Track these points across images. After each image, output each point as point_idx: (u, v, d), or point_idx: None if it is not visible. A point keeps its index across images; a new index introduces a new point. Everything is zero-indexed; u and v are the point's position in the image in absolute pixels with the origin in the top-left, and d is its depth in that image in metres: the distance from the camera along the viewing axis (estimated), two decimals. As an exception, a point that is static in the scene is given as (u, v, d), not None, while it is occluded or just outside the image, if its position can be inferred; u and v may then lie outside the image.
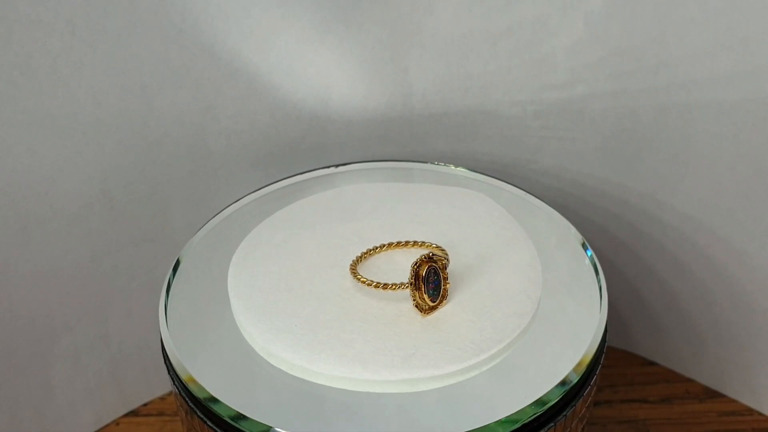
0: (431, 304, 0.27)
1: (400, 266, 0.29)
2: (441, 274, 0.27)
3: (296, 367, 0.26)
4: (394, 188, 0.35)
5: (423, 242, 0.30)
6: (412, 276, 0.27)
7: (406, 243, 0.30)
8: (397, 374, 0.25)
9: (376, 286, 0.28)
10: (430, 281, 0.27)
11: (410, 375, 0.25)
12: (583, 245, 0.31)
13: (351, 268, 0.29)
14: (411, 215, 0.32)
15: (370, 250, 0.30)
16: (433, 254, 0.27)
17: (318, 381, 0.26)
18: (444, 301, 0.28)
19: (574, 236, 0.32)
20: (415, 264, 0.27)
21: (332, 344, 0.26)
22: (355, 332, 0.27)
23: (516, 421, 0.24)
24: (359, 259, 0.29)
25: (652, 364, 0.44)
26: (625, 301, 0.44)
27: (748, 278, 0.39)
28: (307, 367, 0.26)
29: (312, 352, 0.26)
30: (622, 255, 0.42)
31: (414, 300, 0.27)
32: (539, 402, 0.25)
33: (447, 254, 0.29)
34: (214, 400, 0.25)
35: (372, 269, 0.29)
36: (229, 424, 0.25)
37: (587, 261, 0.31)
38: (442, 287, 0.27)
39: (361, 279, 0.28)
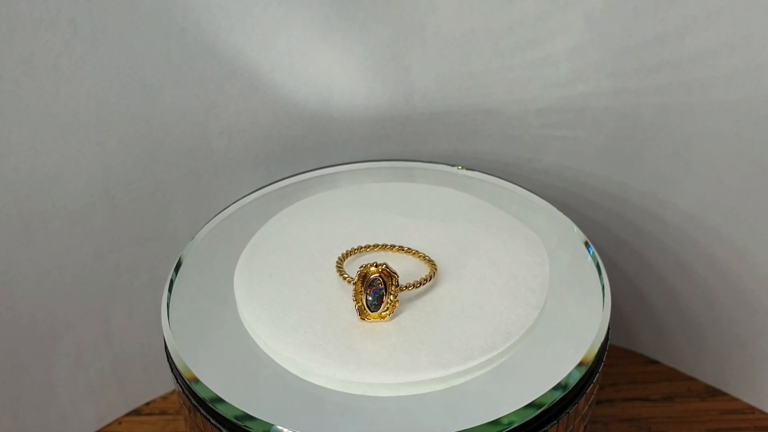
0: (369, 312, 0.27)
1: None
2: (389, 289, 0.27)
3: (296, 365, 0.26)
4: (396, 189, 0.35)
5: (416, 251, 0.30)
6: (359, 277, 0.27)
7: (401, 248, 0.30)
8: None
9: (349, 281, 0.28)
10: (372, 289, 0.27)
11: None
12: (586, 244, 0.31)
13: (337, 264, 0.29)
14: (413, 218, 0.32)
15: (361, 248, 0.30)
16: (387, 266, 0.27)
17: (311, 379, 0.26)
18: (387, 317, 0.27)
19: (577, 235, 0.32)
20: (363, 267, 0.27)
21: (330, 342, 0.27)
22: (353, 334, 0.27)
23: (518, 420, 0.24)
24: (346, 256, 0.30)
25: (653, 362, 0.44)
26: (626, 299, 0.44)
27: (750, 276, 0.39)
28: (305, 364, 0.26)
29: (313, 351, 0.26)
30: (624, 253, 0.42)
31: (356, 302, 0.27)
32: (541, 401, 0.25)
33: (436, 268, 0.29)
34: (218, 399, 0.25)
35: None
36: (232, 422, 0.25)
37: (590, 260, 0.30)
38: (386, 301, 0.27)
39: (344, 275, 0.28)
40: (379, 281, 0.27)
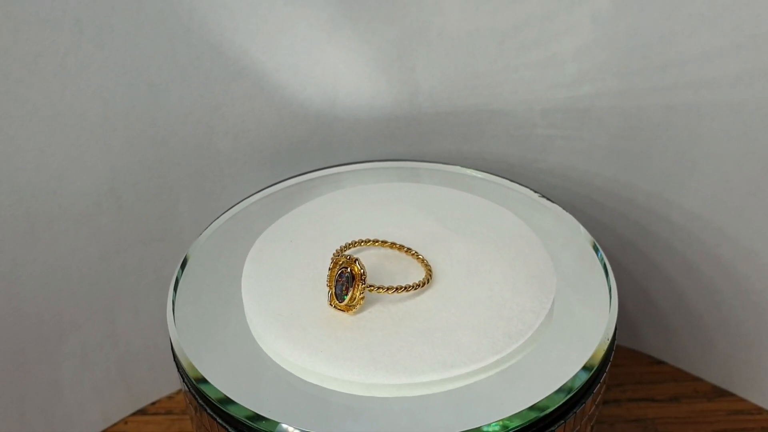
0: (336, 302, 0.27)
1: (389, 268, 0.29)
2: (356, 284, 0.27)
3: (296, 366, 0.26)
4: (401, 189, 0.35)
5: (423, 259, 0.30)
6: (334, 265, 0.27)
7: (415, 253, 0.30)
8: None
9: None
10: (342, 280, 0.27)
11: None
12: (593, 245, 0.31)
13: (336, 252, 0.29)
14: (417, 219, 0.32)
15: (355, 242, 0.30)
16: (359, 262, 0.27)
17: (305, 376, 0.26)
18: (351, 310, 0.27)
19: (584, 236, 0.32)
20: (340, 256, 0.27)
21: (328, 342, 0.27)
22: (353, 334, 0.27)
23: (523, 422, 0.24)
24: (348, 246, 0.30)
25: (660, 362, 0.44)
26: (633, 300, 0.44)
27: (757, 276, 0.39)
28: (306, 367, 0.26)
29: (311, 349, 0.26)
30: (630, 254, 0.42)
31: (328, 288, 0.28)
32: (546, 404, 0.25)
33: (429, 279, 0.29)
34: (224, 398, 0.25)
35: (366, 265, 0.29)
36: (239, 420, 0.25)
37: (596, 261, 0.30)
38: (351, 295, 0.27)
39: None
40: (347, 274, 0.27)
